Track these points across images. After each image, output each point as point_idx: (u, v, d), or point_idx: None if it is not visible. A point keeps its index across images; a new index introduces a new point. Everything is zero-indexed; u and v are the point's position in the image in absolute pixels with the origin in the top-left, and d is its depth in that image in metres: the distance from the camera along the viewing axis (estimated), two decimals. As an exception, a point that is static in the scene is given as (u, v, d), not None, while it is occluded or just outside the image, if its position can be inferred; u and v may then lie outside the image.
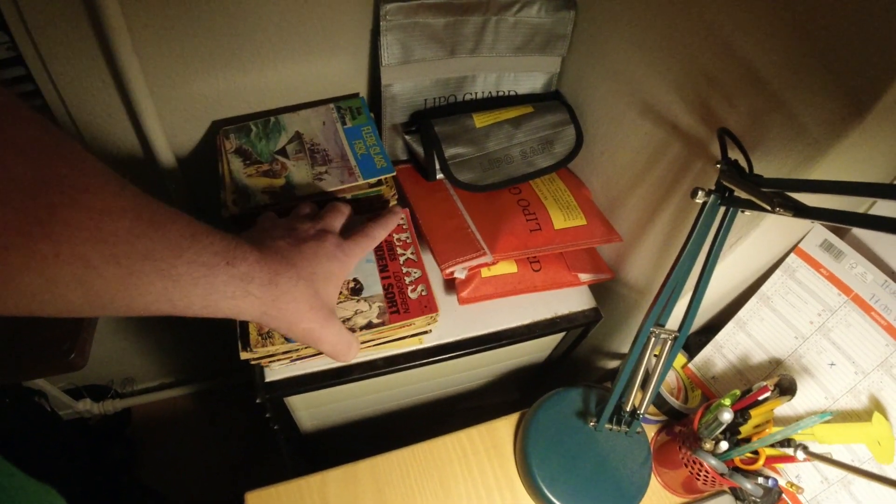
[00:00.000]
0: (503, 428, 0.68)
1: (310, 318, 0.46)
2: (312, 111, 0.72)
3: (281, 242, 0.48)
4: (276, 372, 0.61)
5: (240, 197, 0.63)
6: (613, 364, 0.81)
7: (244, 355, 0.55)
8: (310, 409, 0.72)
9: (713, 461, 0.58)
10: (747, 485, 0.57)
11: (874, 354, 0.60)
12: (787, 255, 0.63)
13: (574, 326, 0.69)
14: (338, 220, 0.54)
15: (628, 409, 0.62)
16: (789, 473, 0.65)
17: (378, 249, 0.63)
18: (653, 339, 0.56)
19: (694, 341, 0.72)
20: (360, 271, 0.61)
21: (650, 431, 0.70)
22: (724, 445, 0.59)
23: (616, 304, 0.76)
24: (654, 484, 0.67)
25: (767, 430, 0.60)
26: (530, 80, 0.76)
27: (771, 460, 0.59)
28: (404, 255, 0.63)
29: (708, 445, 0.59)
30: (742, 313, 0.66)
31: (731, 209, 0.50)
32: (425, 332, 0.62)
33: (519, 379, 0.86)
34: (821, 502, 0.63)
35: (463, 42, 0.69)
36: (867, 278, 0.60)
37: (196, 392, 1.34)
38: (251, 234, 0.49)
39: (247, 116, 0.73)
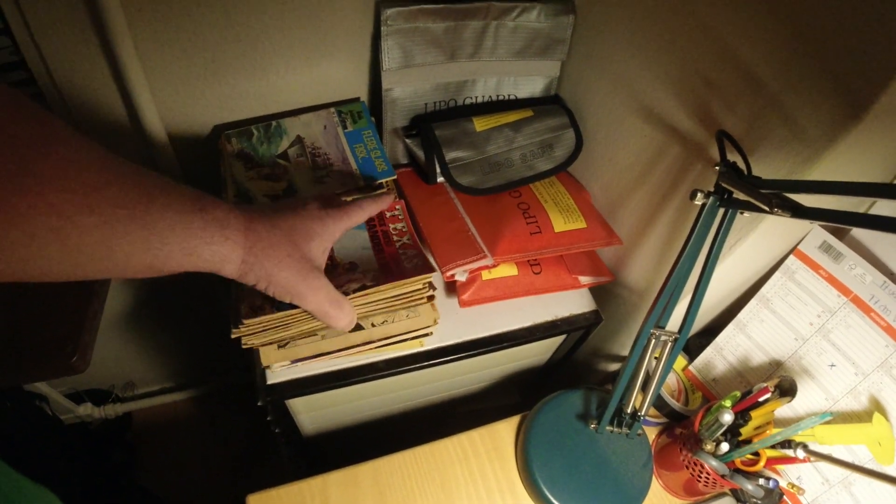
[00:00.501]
0: (504, 430, 0.68)
1: (288, 266, 0.46)
2: (314, 115, 0.73)
3: (264, 205, 0.50)
4: (278, 374, 0.61)
5: (241, 200, 0.63)
6: (614, 366, 0.81)
7: (235, 333, 0.53)
8: (311, 413, 0.72)
9: (714, 462, 0.58)
10: (748, 486, 0.57)
11: (874, 355, 0.60)
12: (786, 256, 0.64)
13: (574, 329, 0.70)
14: (323, 199, 0.55)
15: (629, 410, 0.62)
16: (790, 475, 0.65)
17: (374, 239, 0.62)
18: (653, 341, 0.57)
19: (694, 343, 0.72)
20: (356, 256, 0.60)
21: (651, 434, 0.70)
22: (724, 447, 0.59)
23: (616, 307, 0.76)
24: (656, 486, 0.67)
25: (768, 432, 0.60)
26: (530, 84, 0.77)
27: (772, 461, 0.59)
28: (400, 241, 0.62)
29: (709, 447, 0.59)
30: (742, 315, 0.67)
31: (730, 210, 0.50)
32: (426, 335, 0.62)
33: (520, 382, 0.86)
34: (822, 504, 0.63)
35: (463, 46, 0.70)
36: (866, 279, 0.60)
37: (196, 396, 1.34)
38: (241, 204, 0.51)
39: (249, 120, 0.73)
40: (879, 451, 0.60)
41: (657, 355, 0.58)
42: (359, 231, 0.63)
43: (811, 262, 0.63)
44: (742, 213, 0.51)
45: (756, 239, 0.57)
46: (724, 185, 0.50)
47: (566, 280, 0.69)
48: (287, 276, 0.46)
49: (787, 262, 0.63)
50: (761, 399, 0.60)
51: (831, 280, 0.62)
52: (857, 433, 0.61)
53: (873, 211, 0.60)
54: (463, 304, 0.66)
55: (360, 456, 0.66)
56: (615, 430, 0.63)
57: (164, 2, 0.60)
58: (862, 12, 0.41)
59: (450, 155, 0.69)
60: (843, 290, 0.61)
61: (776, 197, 0.44)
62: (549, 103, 0.77)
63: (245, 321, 0.53)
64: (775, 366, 0.66)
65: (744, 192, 0.46)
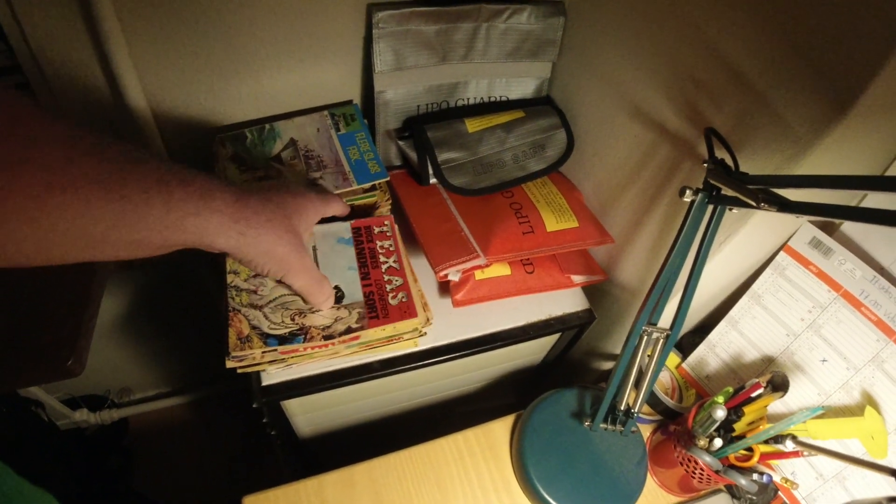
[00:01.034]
0: (499, 429, 0.68)
1: (287, 242, 0.46)
2: (307, 118, 0.73)
3: (247, 185, 0.48)
4: (273, 376, 0.61)
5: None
6: (608, 365, 0.81)
7: (228, 364, 0.55)
8: (307, 414, 0.72)
9: (708, 458, 0.59)
10: (742, 481, 0.58)
11: (865, 350, 0.61)
12: (776, 253, 0.64)
13: (568, 328, 0.70)
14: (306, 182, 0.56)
15: (623, 408, 0.62)
16: (784, 470, 0.65)
17: (361, 257, 0.63)
18: (645, 338, 0.57)
19: (687, 341, 0.73)
20: (342, 279, 0.61)
21: (646, 431, 0.70)
22: (718, 443, 0.59)
23: (609, 306, 0.77)
24: (651, 483, 0.67)
25: (761, 427, 0.60)
26: (521, 86, 0.77)
27: (765, 457, 0.60)
28: (387, 262, 0.63)
29: (702, 443, 0.60)
30: (734, 312, 0.67)
31: (719, 207, 0.51)
32: (420, 335, 0.62)
33: (515, 382, 0.87)
34: (816, 498, 0.63)
35: (455, 49, 0.70)
36: (856, 274, 0.61)
37: (192, 401, 1.34)
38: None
39: (242, 124, 0.74)
40: (872, 444, 0.60)
41: (650, 353, 0.59)
42: (345, 247, 0.63)
43: (801, 258, 0.63)
44: (731, 209, 0.52)
45: (745, 235, 0.58)
46: (712, 181, 0.50)
47: (559, 279, 0.70)
48: (285, 252, 0.47)
49: (777, 258, 0.64)
50: (754, 395, 0.60)
51: (821, 276, 0.62)
52: (849, 427, 0.62)
53: (863, 205, 0.60)
54: (456, 303, 0.66)
55: (356, 457, 0.66)
56: (609, 427, 0.64)
57: (156, 7, 0.60)
58: (845, 10, 0.42)
59: (442, 156, 0.70)
60: (834, 285, 0.62)
61: (763, 192, 0.44)
62: (540, 104, 0.78)
63: (233, 353, 0.54)
64: (768, 362, 0.66)
65: (731, 188, 0.47)
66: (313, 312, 0.57)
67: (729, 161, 0.52)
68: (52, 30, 0.59)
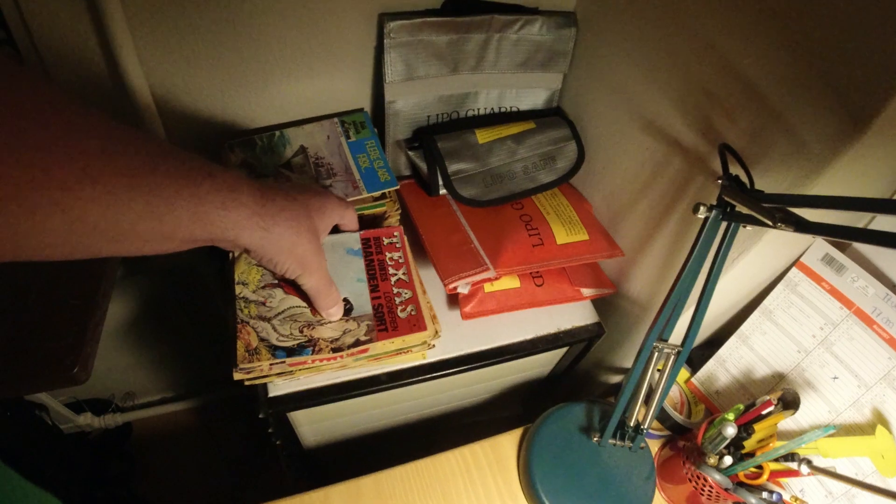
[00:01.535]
0: (506, 443, 0.68)
1: (307, 241, 0.47)
2: (317, 125, 0.73)
3: (268, 181, 0.49)
4: (280, 387, 0.61)
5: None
6: (616, 378, 0.81)
7: (236, 375, 0.54)
8: (312, 425, 0.72)
9: (717, 476, 0.58)
10: (752, 499, 0.57)
11: (877, 367, 0.60)
12: (788, 269, 0.64)
13: (577, 341, 0.70)
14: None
15: (632, 424, 0.61)
16: (793, 488, 0.64)
17: (370, 269, 0.62)
18: (656, 354, 0.57)
19: (697, 355, 0.72)
20: (350, 291, 0.60)
21: (654, 446, 0.70)
22: (728, 460, 0.59)
23: (619, 319, 0.76)
24: (659, 499, 0.66)
25: (771, 445, 0.60)
26: (532, 97, 0.77)
27: (775, 475, 0.59)
28: (396, 275, 0.63)
29: (712, 460, 0.59)
30: (745, 327, 0.67)
31: (733, 224, 0.51)
32: (429, 347, 0.62)
33: (522, 393, 0.86)
34: (825, 517, 0.63)
35: (466, 59, 0.70)
36: (869, 292, 0.60)
37: (196, 406, 1.33)
38: None
39: (252, 130, 0.73)
40: (883, 463, 0.60)
41: (660, 368, 0.58)
42: (355, 258, 0.63)
43: (814, 275, 0.63)
44: (745, 226, 0.51)
45: (758, 252, 0.57)
46: (726, 198, 0.50)
47: (568, 292, 0.69)
48: (305, 251, 0.47)
49: (789, 274, 0.64)
50: (764, 412, 0.60)
51: (834, 292, 0.62)
52: (860, 445, 0.61)
53: (874, 224, 0.60)
54: (465, 316, 0.66)
55: (361, 467, 0.65)
56: (618, 442, 0.63)
57: (168, 13, 0.60)
58: (864, 28, 0.42)
59: (452, 167, 0.69)
60: (846, 302, 0.61)
61: (779, 211, 0.44)
62: (550, 115, 0.77)
63: (241, 365, 0.53)
64: (778, 378, 0.66)
65: (746, 205, 0.46)
66: (322, 324, 0.57)
67: (743, 177, 0.51)
68: (62, 39, 0.59)
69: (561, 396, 0.84)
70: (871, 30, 0.41)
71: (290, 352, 0.54)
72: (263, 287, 0.59)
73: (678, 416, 0.68)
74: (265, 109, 0.73)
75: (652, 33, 0.61)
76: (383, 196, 0.68)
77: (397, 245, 0.65)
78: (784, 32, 0.47)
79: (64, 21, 0.58)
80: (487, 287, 0.66)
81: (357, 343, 0.56)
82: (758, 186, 0.51)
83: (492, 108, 0.77)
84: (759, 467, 0.60)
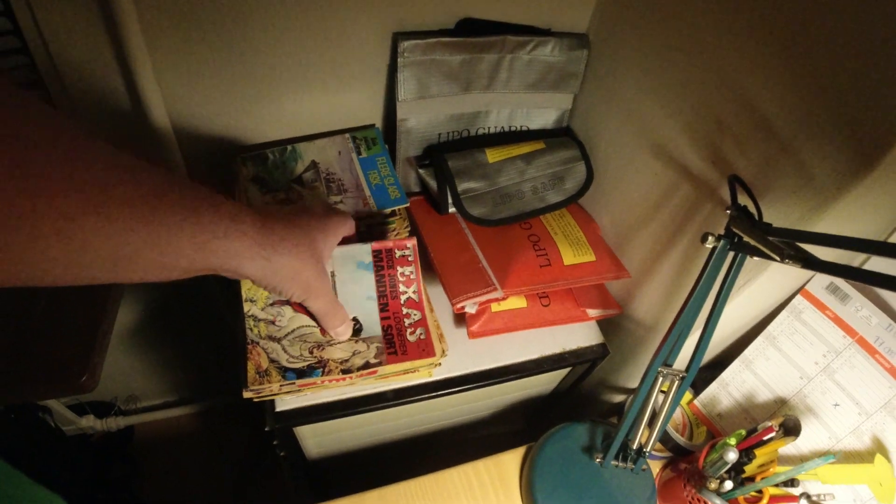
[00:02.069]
0: (510, 461, 0.69)
1: (311, 266, 0.47)
2: (328, 140, 0.73)
3: (271, 208, 0.50)
4: (287, 402, 0.61)
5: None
6: (619, 398, 0.82)
7: (245, 395, 0.55)
8: (317, 437, 0.72)
9: (718, 501, 0.59)
10: (752, 526, 0.58)
11: (877, 396, 0.61)
12: (793, 296, 0.64)
13: (582, 362, 0.70)
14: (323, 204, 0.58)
15: (635, 446, 0.62)
16: (793, 514, 0.65)
17: (380, 286, 0.62)
18: (660, 379, 0.57)
19: (700, 378, 0.73)
20: (360, 310, 0.61)
21: (655, 467, 0.70)
22: (728, 485, 0.60)
23: (623, 339, 0.77)
24: (659, 520, 0.67)
25: (772, 470, 0.60)
26: (542, 116, 0.78)
27: (774, 500, 0.60)
28: (406, 293, 0.62)
29: (713, 485, 0.60)
30: (748, 352, 0.67)
31: (740, 254, 0.51)
32: (436, 366, 0.62)
33: (524, 410, 0.87)
34: (824, 543, 0.63)
35: (478, 79, 0.71)
36: (872, 321, 0.61)
37: (199, 411, 1.34)
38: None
39: (264, 144, 0.74)
40: (881, 490, 0.60)
41: (664, 389, 0.59)
42: (365, 273, 0.62)
43: (818, 303, 0.63)
44: (752, 257, 0.52)
45: (764, 280, 0.58)
46: (734, 229, 0.51)
47: (574, 312, 0.70)
48: (309, 276, 0.47)
49: (794, 301, 0.64)
50: (766, 437, 0.61)
51: (837, 321, 0.63)
52: (859, 473, 0.62)
53: (869, 262, 0.61)
54: (472, 335, 0.66)
55: (363, 478, 0.66)
56: (620, 464, 0.64)
57: (183, 29, 0.61)
58: (877, 67, 0.42)
59: (462, 186, 0.70)
60: (849, 331, 0.62)
61: (788, 247, 0.45)
62: (560, 135, 0.78)
63: (252, 386, 0.54)
64: (780, 403, 0.66)
65: (754, 238, 0.47)
66: (331, 345, 0.57)
67: (752, 208, 0.52)
68: (79, 53, 0.60)
69: (563, 414, 0.84)
70: (884, 70, 0.42)
71: (300, 373, 0.55)
72: (272, 304, 0.59)
73: (680, 439, 0.69)
74: (277, 124, 0.73)
75: (664, 59, 0.62)
76: (393, 213, 0.69)
77: (409, 258, 0.64)
78: (800, 66, 0.48)
79: (81, 41, 0.59)
80: (494, 306, 0.67)
81: (367, 365, 0.57)
82: (766, 218, 0.52)
83: (502, 127, 0.77)
84: (759, 492, 0.60)
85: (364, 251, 0.63)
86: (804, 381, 0.65)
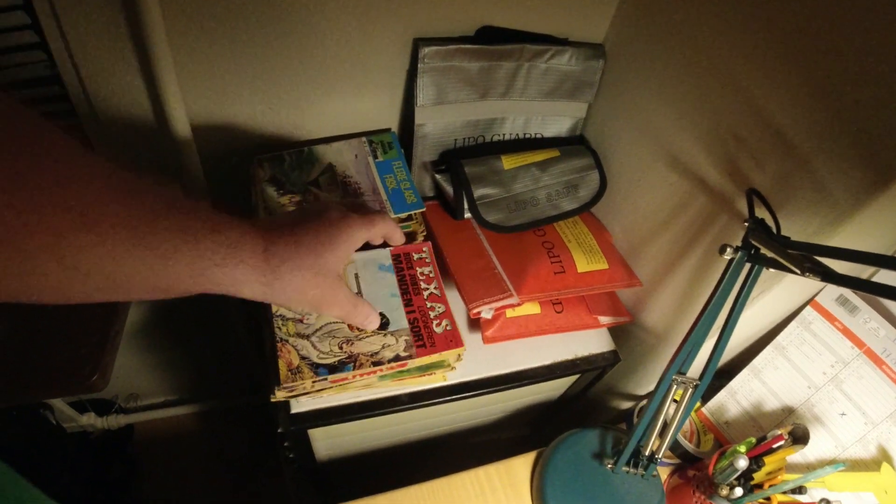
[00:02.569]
0: (520, 466, 0.69)
1: (317, 285, 0.46)
2: (345, 143, 0.73)
3: (284, 217, 0.48)
4: (303, 404, 0.61)
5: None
6: (627, 404, 0.82)
7: (278, 394, 0.55)
8: (328, 440, 0.72)
9: (729, 508, 0.60)
10: (762, 533, 0.59)
11: (884, 406, 0.62)
12: (803, 307, 0.65)
13: (593, 368, 0.71)
14: (346, 204, 0.54)
15: (647, 453, 0.63)
16: (800, 520, 0.66)
17: (402, 284, 0.64)
18: (674, 387, 0.58)
19: (708, 386, 0.73)
20: (385, 306, 0.62)
21: (662, 473, 0.71)
22: (738, 492, 0.60)
23: (633, 347, 0.77)
24: (667, 526, 0.68)
25: (780, 477, 0.61)
26: (557, 124, 0.78)
27: (783, 507, 0.61)
28: (427, 289, 0.64)
29: (724, 492, 0.61)
30: (757, 361, 0.68)
31: (757, 266, 0.52)
32: (451, 369, 0.63)
33: (532, 415, 0.87)
34: (830, 550, 0.64)
35: (495, 86, 0.71)
36: (880, 333, 0.62)
37: (200, 412, 1.33)
38: (262, 218, 0.49)
39: (281, 146, 0.74)
40: (886, 499, 0.62)
41: (676, 398, 0.60)
42: (387, 273, 0.64)
43: (827, 314, 0.65)
44: (768, 268, 0.53)
45: (777, 291, 0.59)
46: (753, 242, 0.51)
47: (586, 319, 0.70)
48: (315, 294, 0.46)
49: (803, 312, 0.65)
50: (775, 445, 0.62)
51: (846, 332, 0.64)
52: (865, 481, 0.63)
53: (878, 275, 0.62)
54: (487, 340, 0.67)
55: (366, 480, 0.66)
56: (631, 470, 0.64)
57: (207, 27, 0.61)
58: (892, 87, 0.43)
59: (478, 192, 0.71)
60: (857, 342, 0.63)
61: (808, 261, 0.45)
62: (574, 143, 0.79)
63: (284, 384, 0.54)
64: (787, 412, 0.67)
65: (773, 251, 0.48)
66: (361, 339, 0.58)
67: (769, 221, 0.53)
68: (101, 55, 0.60)
69: (569, 419, 0.85)
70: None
71: (332, 369, 0.55)
72: None
73: (689, 446, 0.70)
74: (295, 126, 0.73)
75: (682, 72, 0.63)
76: (409, 217, 0.69)
77: (427, 260, 0.66)
78: (818, 82, 0.49)
79: (103, 38, 0.59)
80: (509, 312, 0.67)
81: (397, 358, 0.57)
82: (783, 231, 0.53)
83: (517, 134, 0.78)
84: (768, 499, 0.61)
85: (384, 255, 0.65)
86: (812, 390, 0.66)
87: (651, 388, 0.77)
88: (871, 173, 0.47)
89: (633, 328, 0.77)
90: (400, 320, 0.61)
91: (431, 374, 0.62)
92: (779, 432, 0.62)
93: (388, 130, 0.77)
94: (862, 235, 0.52)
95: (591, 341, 0.72)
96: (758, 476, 0.63)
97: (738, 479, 0.61)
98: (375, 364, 0.57)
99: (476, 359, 0.67)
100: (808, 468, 0.67)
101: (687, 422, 0.74)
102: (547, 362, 0.69)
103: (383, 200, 0.68)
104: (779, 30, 0.51)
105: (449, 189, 0.72)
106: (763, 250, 0.51)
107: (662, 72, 0.66)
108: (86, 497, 1.03)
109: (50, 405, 1.03)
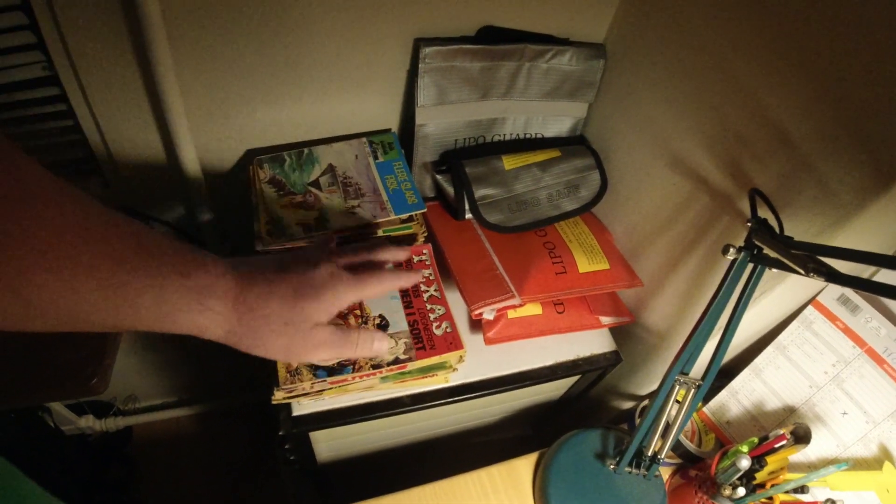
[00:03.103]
0: (523, 467, 0.69)
1: (285, 334, 0.43)
2: (346, 144, 0.73)
3: (269, 262, 0.45)
4: (305, 406, 0.61)
5: (274, 228, 0.64)
6: (627, 405, 0.82)
7: (277, 395, 0.55)
8: (330, 441, 0.72)
9: (732, 508, 0.60)
10: (765, 532, 0.59)
11: (885, 405, 0.62)
12: (804, 306, 0.65)
13: (595, 369, 0.71)
14: (349, 257, 0.50)
15: (649, 454, 0.63)
16: (801, 520, 0.66)
17: None
18: (677, 387, 0.58)
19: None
20: (385, 308, 0.62)
21: (664, 474, 0.71)
22: (741, 491, 0.60)
23: (634, 347, 0.77)
24: (670, 526, 0.68)
25: (782, 477, 0.61)
26: (557, 124, 0.78)
27: (785, 506, 0.61)
28: (428, 291, 0.64)
29: (727, 492, 0.61)
30: (758, 361, 0.68)
31: (760, 266, 0.52)
32: (453, 371, 0.63)
33: (532, 415, 0.87)
34: (833, 549, 0.65)
35: (496, 86, 0.71)
36: (881, 332, 0.62)
37: (198, 413, 1.32)
38: (249, 258, 0.46)
39: (281, 147, 0.74)
40: (888, 497, 0.62)
41: (678, 398, 0.60)
42: None
43: (829, 314, 0.65)
44: (771, 269, 0.53)
45: (779, 291, 0.59)
46: (756, 242, 0.51)
47: (588, 320, 0.70)
48: (283, 343, 0.44)
49: (805, 311, 0.65)
50: (777, 445, 0.62)
51: (847, 331, 0.64)
52: (867, 480, 0.63)
53: (879, 275, 0.62)
54: (488, 341, 0.67)
55: (366, 481, 0.66)
56: (634, 471, 0.64)
57: (207, 28, 0.60)
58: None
59: (479, 192, 0.70)
60: (859, 341, 0.63)
61: (812, 261, 0.45)
62: (574, 143, 0.79)
63: (283, 385, 0.54)
64: (789, 412, 0.68)
65: (777, 251, 0.48)
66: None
67: (772, 221, 0.53)
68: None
69: (570, 419, 0.85)
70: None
71: (331, 371, 0.55)
72: None
73: (690, 446, 0.70)
74: (296, 126, 0.73)
75: (684, 71, 0.63)
76: (410, 218, 0.69)
77: (427, 262, 0.66)
78: (820, 86, 0.49)
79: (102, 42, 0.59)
80: (511, 313, 0.67)
81: (397, 361, 0.57)
82: (786, 231, 0.53)
83: (517, 134, 0.78)
84: (770, 498, 0.61)
85: None
86: (813, 389, 0.66)
87: (652, 388, 0.77)
88: (873, 172, 0.47)
89: (635, 328, 0.77)
90: (400, 322, 0.61)
91: (433, 375, 0.62)
92: (781, 432, 0.62)
93: (388, 131, 0.76)
94: (864, 235, 0.52)
95: (593, 341, 0.72)
96: (760, 476, 0.63)
97: (740, 478, 0.61)
98: (375, 367, 0.57)
99: (478, 360, 0.67)
100: (810, 467, 0.67)
101: (688, 422, 0.74)
102: (549, 363, 0.69)
103: (384, 201, 0.68)
104: (784, 29, 0.51)
105: (450, 189, 0.72)
106: (766, 250, 0.51)
107: (663, 71, 0.66)
108: (84, 499, 1.02)
109: (48, 408, 1.03)
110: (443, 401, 0.64)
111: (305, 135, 0.74)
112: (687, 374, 0.58)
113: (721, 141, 0.60)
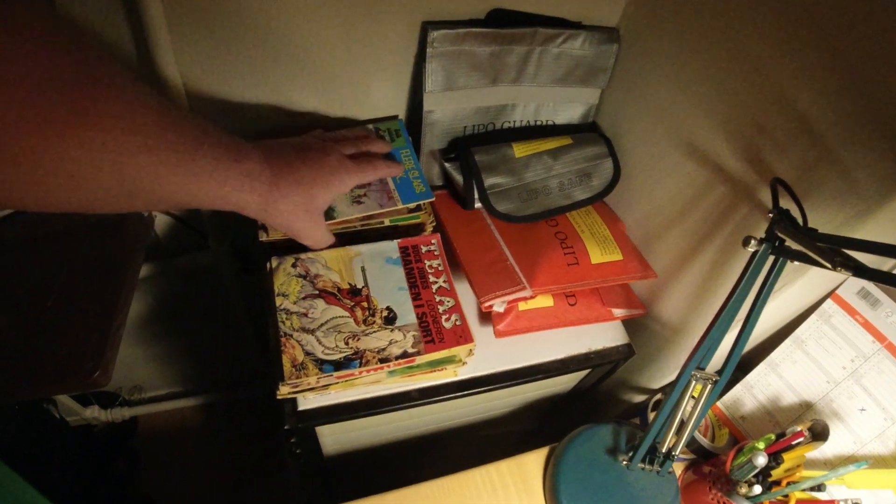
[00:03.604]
0: (532, 462, 0.68)
1: (302, 219, 0.55)
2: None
3: (289, 148, 0.55)
4: (310, 401, 0.60)
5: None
6: (639, 398, 0.81)
7: (282, 391, 0.54)
8: (336, 435, 0.71)
9: (747, 505, 0.58)
10: (781, 531, 0.57)
11: (905, 402, 0.61)
12: (823, 300, 0.64)
13: (607, 362, 0.69)
14: (349, 146, 0.62)
15: (664, 450, 0.61)
16: (818, 518, 0.65)
17: (410, 277, 0.62)
18: (693, 382, 0.56)
19: (724, 380, 0.72)
20: (392, 299, 0.60)
21: (676, 469, 0.70)
22: (757, 489, 0.59)
23: (646, 340, 0.76)
24: (682, 523, 0.67)
25: (798, 474, 0.60)
26: (569, 111, 0.76)
27: (801, 503, 0.60)
28: (437, 283, 0.62)
29: (743, 489, 0.59)
30: (775, 355, 0.67)
31: (781, 259, 0.50)
32: (462, 364, 0.61)
33: (541, 409, 0.86)
34: (849, 547, 0.63)
35: (506, 71, 0.69)
36: (902, 327, 0.60)
37: (203, 404, 1.32)
38: (269, 141, 0.55)
39: (285, 133, 0.71)
40: (905, 496, 0.60)
41: (694, 394, 0.58)
42: (394, 267, 0.63)
43: (848, 307, 0.63)
44: (792, 261, 0.51)
45: (799, 284, 0.57)
46: (778, 233, 0.49)
47: (600, 312, 0.69)
48: (300, 226, 0.56)
49: (824, 305, 0.64)
50: (794, 442, 0.60)
51: (867, 326, 0.62)
52: (884, 478, 0.62)
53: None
54: (499, 334, 0.65)
55: (372, 474, 0.65)
56: (647, 467, 0.63)
57: (208, 13, 0.58)
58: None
59: (489, 181, 0.68)
60: (879, 336, 0.62)
61: (838, 255, 0.43)
62: (585, 130, 0.76)
63: (289, 380, 0.53)
64: (805, 407, 0.66)
65: (801, 244, 0.46)
66: (367, 335, 0.56)
67: (794, 212, 0.51)
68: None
69: (579, 413, 0.84)
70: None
71: (338, 365, 0.54)
72: (304, 298, 0.58)
73: (705, 441, 0.68)
74: (300, 113, 0.71)
75: (699, 57, 0.61)
76: (418, 208, 0.67)
77: (435, 253, 0.65)
78: (845, 73, 0.47)
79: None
80: (521, 305, 0.66)
81: (405, 354, 0.56)
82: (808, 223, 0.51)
83: (528, 121, 0.76)
84: (785, 496, 0.60)
85: (391, 248, 0.64)
86: (831, 385, 0.64)
87: (665, 381, 0.75)
88: (899, 163, 0.45)
89: (648, 321, 0.75)
90: (408, 315, 0.59)
91: (442, 369, 0.60)
92: (799, 428, 0.60)
93: (395, 118, 0.74)
94: (887, 227, 0.50)
95: (605, 334, 0.71)
96: (776, 473, 0.61)
97: (756, 476, 0.60)
98: (382, 361, 0.55)
99: (487, 353, 0.66)
100: (826, 464, 0.65)
101: (702, 416, 0.72)
102: (560, 356, 0.68)
103: (391, 190, 0.66)
104: (811, 13, 0.49)
105: (459, 178, 0.70)
106: (789, 243, 0.49)
107: (679, 57, 0.63)
108: (88, 491, 1.02)
109: (53, 399, 1.02)
110: (451, 395, 0.63)
111: (310, 121, 0.72)
112: (703, 369, 0.56)
113: (739, 128, 0.58)
